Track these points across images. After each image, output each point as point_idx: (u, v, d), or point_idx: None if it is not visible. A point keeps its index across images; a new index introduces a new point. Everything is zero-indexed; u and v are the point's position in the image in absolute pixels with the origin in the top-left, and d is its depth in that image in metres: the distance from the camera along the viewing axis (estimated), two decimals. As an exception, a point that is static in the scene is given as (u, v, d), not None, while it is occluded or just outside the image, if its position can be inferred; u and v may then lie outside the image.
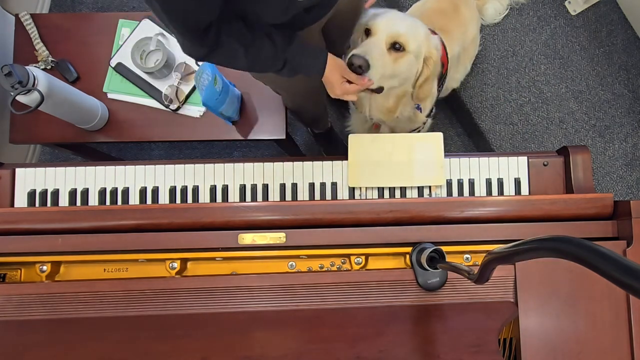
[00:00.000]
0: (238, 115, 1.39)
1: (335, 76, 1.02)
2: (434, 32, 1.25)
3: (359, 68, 1.01)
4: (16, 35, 1.42)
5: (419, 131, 1.40)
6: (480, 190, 1.14)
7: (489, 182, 1.14)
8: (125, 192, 1.14)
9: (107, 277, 0.96)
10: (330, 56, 1.02)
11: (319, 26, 1.07)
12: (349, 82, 1.03)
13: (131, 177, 1.15)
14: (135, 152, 1.92)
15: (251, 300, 0.88)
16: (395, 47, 1.06)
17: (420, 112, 1.30)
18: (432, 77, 1.14)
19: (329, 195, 1.14)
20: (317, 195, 1.14)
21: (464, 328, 0.87)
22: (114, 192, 1.14)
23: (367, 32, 1.08)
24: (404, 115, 1.27)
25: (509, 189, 1.14)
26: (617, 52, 1.76)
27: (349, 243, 0.95)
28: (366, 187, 1.15)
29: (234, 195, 1.14)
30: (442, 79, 1.29)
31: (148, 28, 1.43)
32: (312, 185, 1.15)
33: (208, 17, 0.80)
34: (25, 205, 1.13)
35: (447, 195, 1.14)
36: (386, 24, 1.05)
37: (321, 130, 1.75)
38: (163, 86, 1.38)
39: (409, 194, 1.15)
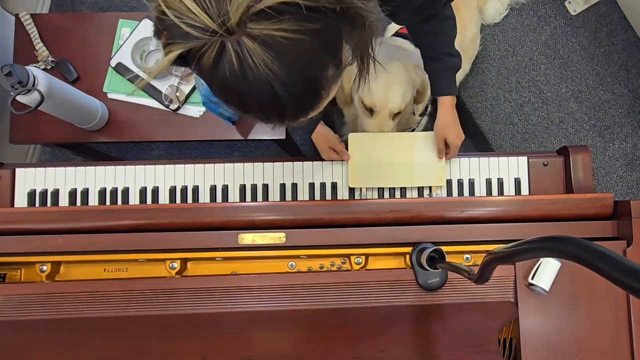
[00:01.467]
0: (238, 115, 1.39)
1: (322, 145, 1.13)
2: None
3: None
4: (16, 35, 1.41)
5: (413, 130, 1.40)
6: (480, 190, 1.14)
7: (489, 182, 1.14)
8: (125, 192, 1.14)
9: (107, 277, 0.96)
10: (321, 126, 1.13)
11: None
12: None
13: (131, 177, 1.15)
14: (135, 152, 1.92)
15: (251, 300, 0.88)
16: (398, 113, 1.16)
17: (414, 114, 1.31)
18: (427, 89, 1.20)
19: (329, 195, 1.14)
20: (317, 195, 1.14)
21: (464, 328, 0.87)
22: (114, 192, 1.14)
23: (370, 110, 1.16)
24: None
25: (509, 189, 1.14)
26: (617, 52, 1.76)
27: (349, 243, 0.95)
28: (366, 187, 1.15)
29: (234, 195, 1.14)
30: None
31: (148, 28, 1.42)
32: (312, 185, 1.15)
33: None
34: (25, 205, 1.13)
35: (447, 195, 1.14)
36: (384, 102, 1.13)
37: None
38: (163, 86, 1.37)
39: (409, 194, 1.15)
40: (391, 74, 1.13)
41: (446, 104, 1.09)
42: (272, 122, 0.58)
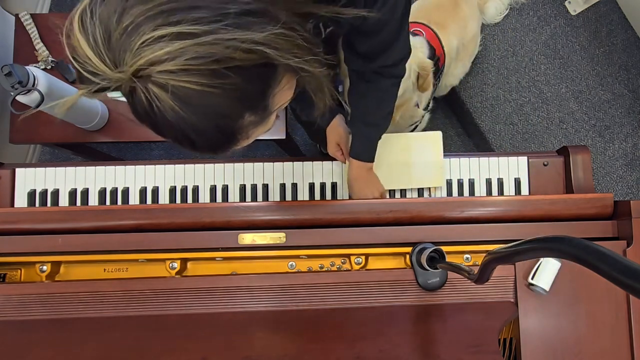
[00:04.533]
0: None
1: (332, 139, 1.14)
2: (426, 27, 1.27)
3: None
4: (16, 35, 1.41)
5: (417, 125, 1.40)
6: (480, 190, 1.14)
7: (489, 182, 1.14)
8: (125, 192, 1.14)
9: (107, 277, 0.96)
10: (338, 119, 1.13)
11: None
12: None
13: (131, 177, 1.15)
14: (135, 152, 1.92)
15: (251, 300, 0.88)
16: None
17: (419, 107, 1.31)
18: (430, 73, 1.17)
19: (329, 195, 1.14)
20: (317, 195, 1.14)
21: (464, 328, 0.87)
22: (114, 192, 1.14)
23: None
24: (405, 116, 1.27)
25: (509, 189, 1.14)
26: (617, 52, 1.76)
27: (349, 243, 0.95)
28: (366, 188, 1.14)
29: (234, 195, 1.14)
30: (438, 73, 1.30)
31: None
32: (312, 185, 1.15)
33: None
34: (25, 205, 1.13)
35: (447, 195, 1.14)
36: None
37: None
38: (163, 86, 1.37)
39: (408, 194, 1.15)
40: None
41: (353, 163, 1.08)
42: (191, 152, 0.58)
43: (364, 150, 1.06)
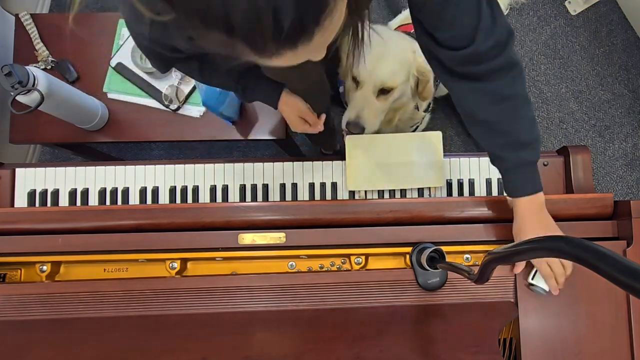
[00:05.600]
0: (238, 115, 1.39)
1: (291, 116, 1.04)
2: None
3: (357, 132, 1.10)
4: (16, 35, 1.41)
5: (417, 126, 1.40)
6: (480, 190, 1.14)
7: (489, 182, 1.14)
8: (125, 192, 1.14)
9: (107, 277, 0.96)
10: (287, 96, 1.01)
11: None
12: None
13: (131, 177, 1.15)
14: (135, 152, 1.92)
15: (251, 300, 0.88)
16: (384, 91, 1.10)
17: (419, 110, 1.30)
18: (430, 80, 1.15)
19: (329, 195, 1.14)
20: (317, 195, 1.14)
21: (464, 328, 0.86)
22: (114, 192, 1.14)
23: (355, 81, 1.11)
24: (403, 118, 1.27)
25: (509, 189, 1.14)
26: (617, 52, 1.76)
27: (349, 243, 0.95)
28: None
29: (234, 195, 1.14)
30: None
31: (148, 28, 1.42)
32: (312, 185, 1.15)
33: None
34: (25, 205, 1.13)
35: (447, 195, 1.14)
36: (370, 72, 1.07)
37: (330, 152, 1.76)
38: (163, 86, 1.37)
39: (409, 194, 1.15)
40: (385, 48, 1.07)
41: (519, 205, 0.85)
42: (258, 48, 0.43)
43: (525, 180, 0.83)
